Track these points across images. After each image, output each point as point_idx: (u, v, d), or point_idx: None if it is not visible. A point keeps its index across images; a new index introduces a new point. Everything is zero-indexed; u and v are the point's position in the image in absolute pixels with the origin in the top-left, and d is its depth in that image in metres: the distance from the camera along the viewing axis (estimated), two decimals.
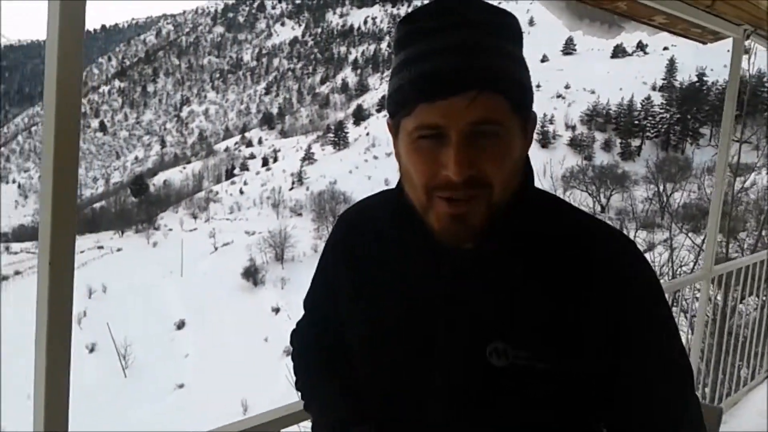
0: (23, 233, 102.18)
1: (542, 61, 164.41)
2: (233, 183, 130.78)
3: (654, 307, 0.93)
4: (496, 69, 0.87)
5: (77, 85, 1.03)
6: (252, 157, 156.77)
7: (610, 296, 0.90)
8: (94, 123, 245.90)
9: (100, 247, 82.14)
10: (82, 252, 77.93)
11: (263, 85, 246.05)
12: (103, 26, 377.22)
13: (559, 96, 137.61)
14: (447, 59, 0.85)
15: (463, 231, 0.90)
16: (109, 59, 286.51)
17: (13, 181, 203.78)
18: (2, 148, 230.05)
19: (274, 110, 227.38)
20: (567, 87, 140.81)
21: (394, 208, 1.00)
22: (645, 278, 0.93)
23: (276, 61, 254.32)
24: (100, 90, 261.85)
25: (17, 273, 68.79)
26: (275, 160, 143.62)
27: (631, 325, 0.90)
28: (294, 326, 1.29)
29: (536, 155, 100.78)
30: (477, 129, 0.86)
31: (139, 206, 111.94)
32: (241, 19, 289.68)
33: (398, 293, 1.01)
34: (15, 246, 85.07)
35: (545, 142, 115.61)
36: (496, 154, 0.88)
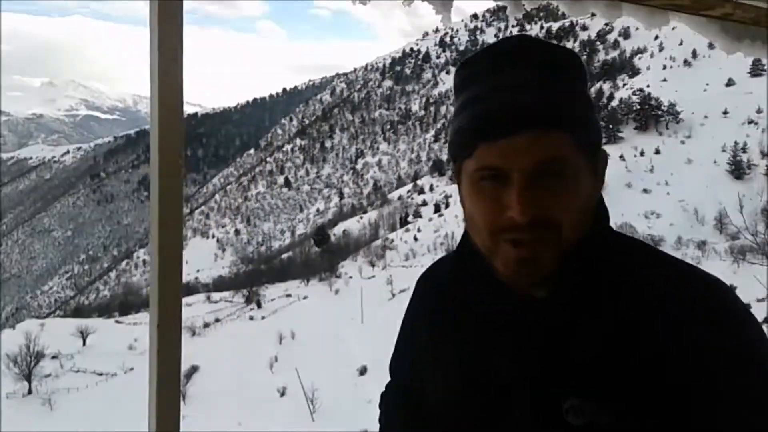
0: (222, 283, 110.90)
1: (727, 85, 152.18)
2: (407, 230, 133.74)
3: (741, 376, 0.80)
4: (558, 106, 0.85)
5: (177, 159, 1.10)
6: (424, 204, 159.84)
7: (696, 355, 0.80)
8: (280, 179, 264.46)
9: (288, 295, 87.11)
10: (272, 300, 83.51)
11: (432, 133, 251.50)
12: (284, 89, 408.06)
13: (750, 122, 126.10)
14: (506, 98, 0.83)
15: (532, 275, 0.86)
16: (291, 119, 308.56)
17: (212, 236, 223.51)
18: (203, 207, 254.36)
19: (444, 157, 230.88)
20: (759, 111, 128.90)
21: (457, 258, 0.99)
22: (739, 340, 0.81)
23: (443, 109, 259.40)
24: (284, 149, 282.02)
25: (217, 320, 74.70)
26: (447, 206, 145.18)
27: (715, 390, 0.79)
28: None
29: (729, 188, 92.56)
30: (541, 168, 0.83)
31: (322, 255, 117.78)
32: (407, 71, 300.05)
33: (471, 350, 0.96)
34: (215, 295, 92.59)
35: (739, 173, 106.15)
36: (562, 193, 0.84)
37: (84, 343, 61.05)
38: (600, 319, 0.86)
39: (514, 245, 0.85)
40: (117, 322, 78.58)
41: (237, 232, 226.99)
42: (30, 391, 46.32)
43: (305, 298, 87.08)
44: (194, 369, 44.45)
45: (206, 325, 70.31)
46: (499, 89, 0.85)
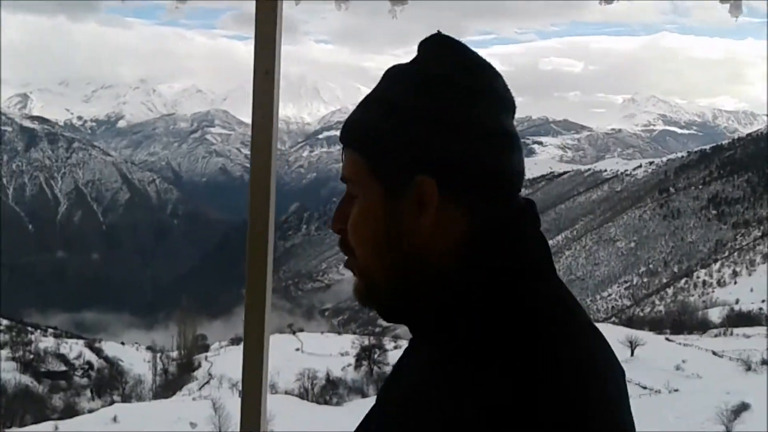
0: None
1: None
2: None
3: None
4: (352, 125, 0.79)
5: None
6: None
7: None
8: None
9: None
10: None
11: None
12: None
13: None
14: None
15: (355, 296, 0.83)
16: None
17: None
18: None
19: None
20: None
21: None
22: None
23: None
24: None
25: None
26: None
27: None
28: None
29: None
30: (347, 185, 0.80)
31: None
32: None
33: None
34: None
35: None
36: (351, 217, 0.78)
37: (632, 354, 61.93)
38: (404, 375, 0.80)
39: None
40: (667, 339, 77.13)
41: None
42: None
43: None
44: (744, 406, 40.15)
45: (765, 362, 62.62)
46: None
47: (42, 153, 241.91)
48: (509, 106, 0.78)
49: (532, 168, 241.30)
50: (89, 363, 61.33)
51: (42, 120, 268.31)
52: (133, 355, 67.44)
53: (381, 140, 0.75)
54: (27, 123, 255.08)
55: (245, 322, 1.59)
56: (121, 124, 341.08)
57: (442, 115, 0.73)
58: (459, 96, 0.74)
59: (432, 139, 0.73)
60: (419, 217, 0.74)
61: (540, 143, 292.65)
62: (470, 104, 0.74)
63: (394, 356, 56.32)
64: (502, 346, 0.68)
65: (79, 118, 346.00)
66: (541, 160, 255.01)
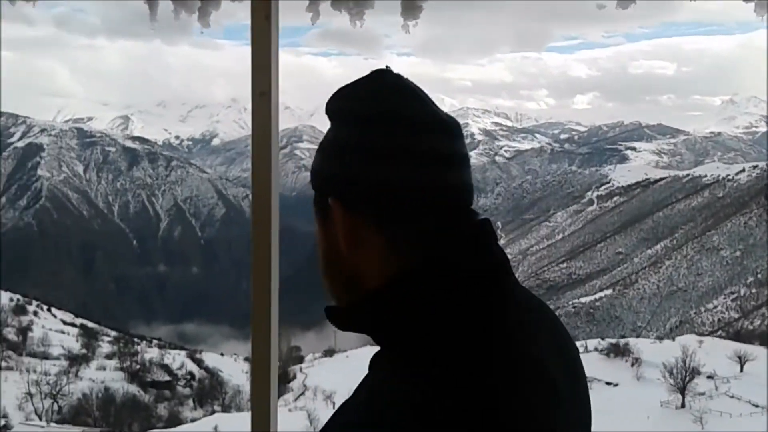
0: None
1: None
2: None
3: None
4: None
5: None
6: None
7: None
8: None
9: None
10: None
11: None
12: None
13: None
14: None
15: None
16: None
17: None
18: None
19: None
20: None
21: None
22: None
23: None
24: None
25: None
26: None
27: None
28: None
29: None
30: None
31: None
32: None
33: None
34: None
35: None
36: None
37: (741, 369, 58.36)
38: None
39: None
40: None
41: None
42: (683, 405, 47.09)
43: None
44: None
45: None
46: None
47: (143, 171, 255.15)
48: (430, 126, 0.81)
49: (626, 175, 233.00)
50: (191, 373, 63.73)
51: (142, 140, 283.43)
52: (232, 366, 69.62)
53: (312, 173, 0.86)
54: (129, 143, 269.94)
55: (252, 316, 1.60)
56: (215, 141, 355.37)
57: (345, 142, 0.82)
58: (361, 124, 0.81)
59: (336, 164, 0.82)
60: (329, 233, 0.84)
61: (633, 149, 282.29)
62: (366, 130, 0.81)
63: None
64: (421, 351, 0.74)
65: (177, 137, 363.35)
66: (636, 167, 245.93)
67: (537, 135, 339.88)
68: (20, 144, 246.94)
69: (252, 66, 1.59)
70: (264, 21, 1.61)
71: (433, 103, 0.85)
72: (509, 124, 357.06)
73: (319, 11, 1.55)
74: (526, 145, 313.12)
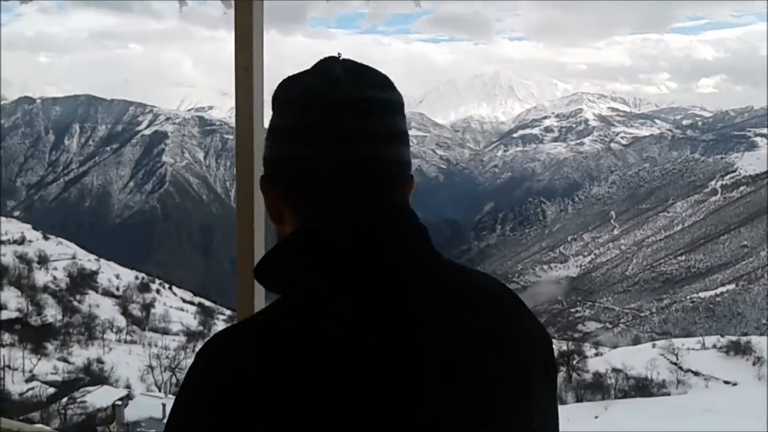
0: None
1: None
2: None
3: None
4: None
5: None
6: None
7: None
8: None
9: None
10: None
11: None
12: None
13: None
14: None
15: None
16: None
17: None
18: None
19: None
20: None
21: None
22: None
23: None
24: None
25: None
26: None
27: None
28: None
29: None
30: None
31: None
32: None
33: None
34: None
35: None
36: None
37: None
38: None
39: None
40: None
41: None
42: None
43: None
44: None
45: None
46: None
47: None
48: (341, 106, 0.84)
49: (754, 163, 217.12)
50: None
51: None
52: None
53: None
54: None
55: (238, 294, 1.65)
56: None
57: (270, 125, 0.91)
58: (279, 107, 0.90)
59: (265, 145, 0.91)
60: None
61: (763, 135, 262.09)
62: (281, 113, 0.89)
63: (594, 363, 53.39)
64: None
65: None
66: (765, 155, 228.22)
67: (657, 121, 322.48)
68: (147, 132, 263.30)
69: (235, 42, 1.63)
70: None
71: (382, 85, 0.89)
72: (626, 109, 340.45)
73: None
74: (644, 132, 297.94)
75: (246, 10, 1.61)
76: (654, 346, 59.43)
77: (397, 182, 0.87)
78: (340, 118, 0.83)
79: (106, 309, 67.40)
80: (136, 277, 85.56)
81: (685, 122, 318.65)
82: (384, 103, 0.87)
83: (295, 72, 0.90)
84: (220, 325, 71.86)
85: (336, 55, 0.90)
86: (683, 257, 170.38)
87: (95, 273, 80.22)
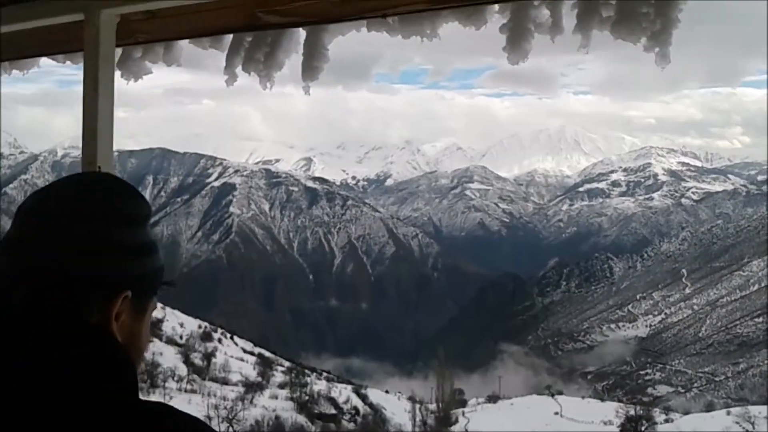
0: None
1: None
2: None
3: None
4: None
5: None
6: None
7: None
8: None
9: None
10: None
11: None
12: None
13: None
14: None
15: None
16: None
17: None
18: None
19: None
20: None
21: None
22: None
23: None
24: None
25: None
26: None
27: None
28: None
29: None
30: None
31: None
32: None
33: None
34: None
35: None
36: None
37: None
38: None
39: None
40: None
41: None
42: None
43: None
44: None
45: None
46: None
47: (322, 210, 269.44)
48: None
49: None
50: (356, 408, 64.79)
51: (322, 180, 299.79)
52: (395, 404, 69.89)
53: None
54: (310, 183, 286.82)
55: None
56: (389, 182, 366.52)
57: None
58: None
59: None
60: None
61: None
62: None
63: (664, 430, 50.69)
64: None
65: (353, 177, 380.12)
66: None
67: (730, 176, 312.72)
68: (216, 183, 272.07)
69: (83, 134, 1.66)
70: (92, 92, 1.72)
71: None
72: (698, 164, 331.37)
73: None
74: (717, 187, 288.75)
75: (93, 102, 1.65)
76: (729, 413, 56.06)
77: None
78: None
79: (169, 357, 68.30)
80: (200, 326, 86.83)
81: (760, 178, 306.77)
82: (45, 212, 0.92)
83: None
84: (278, 377, 71.98)
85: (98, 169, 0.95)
86: (760, 319, 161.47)
87: (160, 321, 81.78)
